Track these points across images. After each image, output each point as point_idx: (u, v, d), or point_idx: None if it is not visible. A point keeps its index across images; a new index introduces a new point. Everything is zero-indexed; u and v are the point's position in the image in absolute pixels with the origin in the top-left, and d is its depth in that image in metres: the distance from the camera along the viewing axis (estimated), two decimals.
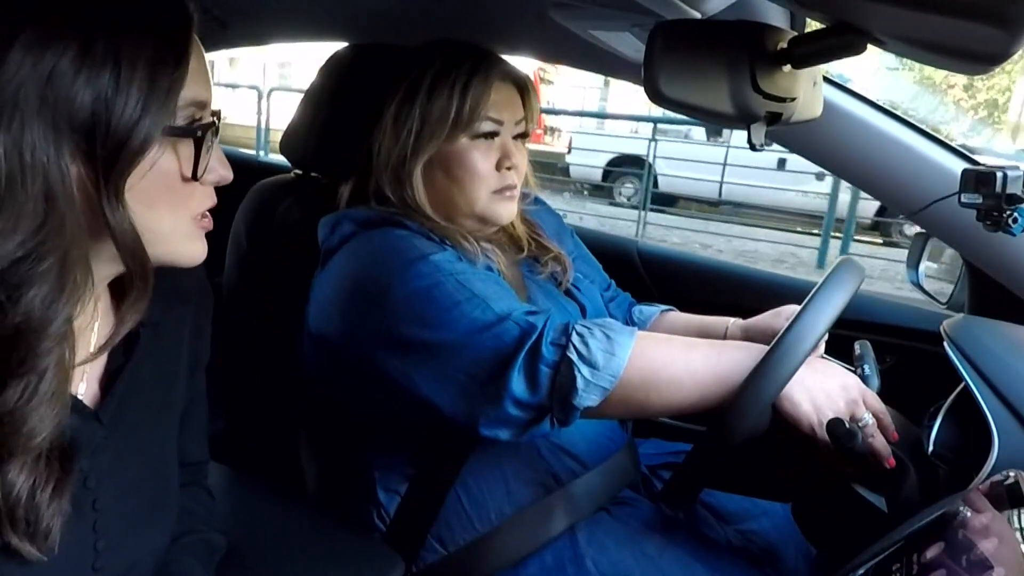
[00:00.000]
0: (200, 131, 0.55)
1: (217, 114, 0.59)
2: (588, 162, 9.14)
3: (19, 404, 0.51)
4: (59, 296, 0.50)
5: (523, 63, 1.11)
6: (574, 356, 0.79)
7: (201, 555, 0.77)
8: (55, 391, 0.52)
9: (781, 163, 7.33)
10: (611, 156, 9.21)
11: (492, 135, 0.98)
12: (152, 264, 0.56)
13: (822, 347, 0.92)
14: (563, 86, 15.36)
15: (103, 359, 0.63)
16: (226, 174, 0.60)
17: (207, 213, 0.61)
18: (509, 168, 0.99)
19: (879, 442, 0.82)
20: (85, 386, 0.62)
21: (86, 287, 0.53)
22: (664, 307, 1.22)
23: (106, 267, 0.57)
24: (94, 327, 0.61)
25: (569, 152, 9.52)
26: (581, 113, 12.25)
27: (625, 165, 9.10)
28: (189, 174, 0.56)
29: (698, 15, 0.72)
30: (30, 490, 0.53)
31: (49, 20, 0.48)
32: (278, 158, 1.71)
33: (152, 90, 0.51)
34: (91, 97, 0.49)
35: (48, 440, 0.53)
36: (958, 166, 1.02)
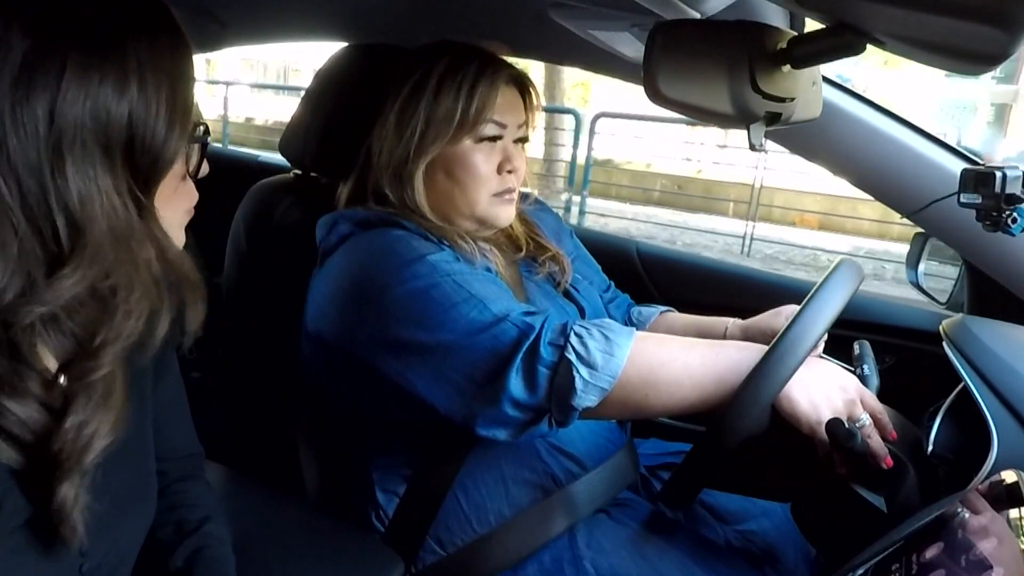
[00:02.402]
0: (206, 134, 0.60)
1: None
2: None
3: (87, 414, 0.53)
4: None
5: None
6: (572, 357, 0.79)
7: (225, 540, 0.78)
8: (113, 405, 0.55)
9: None
10: None
11: (495, 138, 0.97)
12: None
13: (821, 347, 0.92)
14: None
15: None
16: (206, 168, 0.64)
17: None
18: (510, 172, 0.99)
19: (875, 442, 0.82)
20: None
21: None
22: (663, 308, 1.22)
23: None
24: None
25: None
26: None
27: None
28: (190, 173, 0.60)
29: (698, 15, 0.72)
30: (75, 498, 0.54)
31: (88, 49, 0.50)
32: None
33: (175, 104, 0.54)
34: (127, 120, 0.51)
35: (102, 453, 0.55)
36: (957, 166, 1.02)
